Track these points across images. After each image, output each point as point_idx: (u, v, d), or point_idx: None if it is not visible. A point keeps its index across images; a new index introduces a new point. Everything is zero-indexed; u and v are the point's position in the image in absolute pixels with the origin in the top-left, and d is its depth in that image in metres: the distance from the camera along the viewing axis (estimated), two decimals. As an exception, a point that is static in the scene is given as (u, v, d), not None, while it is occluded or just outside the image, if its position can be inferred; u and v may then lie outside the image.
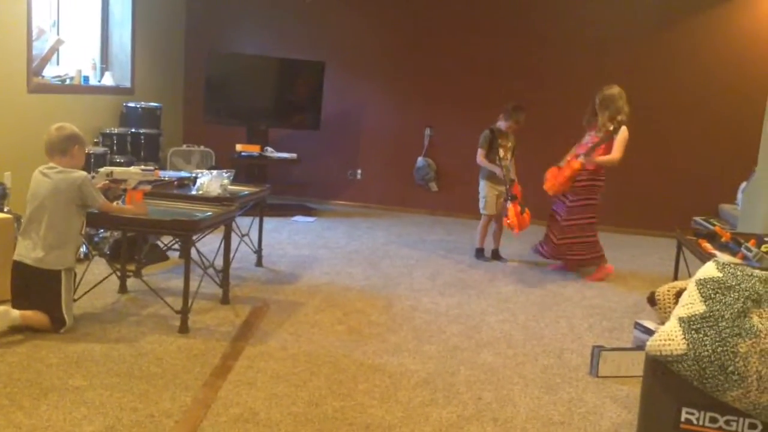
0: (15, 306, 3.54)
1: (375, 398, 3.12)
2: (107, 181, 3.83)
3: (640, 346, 3.53)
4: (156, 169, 4.20)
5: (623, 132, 5.38)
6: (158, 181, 4.33)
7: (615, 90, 5.45)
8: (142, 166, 4.13)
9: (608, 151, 5.39)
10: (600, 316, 4.61)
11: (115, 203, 3.85)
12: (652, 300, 4.56)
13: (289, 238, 6.30)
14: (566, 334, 4.18)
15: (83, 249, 4.66)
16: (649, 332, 3.74)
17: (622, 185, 7.61)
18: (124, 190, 3.89)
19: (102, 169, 3.91)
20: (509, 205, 5.68)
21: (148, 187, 4.03)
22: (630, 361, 3.56)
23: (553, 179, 5.47)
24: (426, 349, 3.77)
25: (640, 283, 5.52)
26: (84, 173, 3.66)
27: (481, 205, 5.98)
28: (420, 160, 7.94)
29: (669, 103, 7.46)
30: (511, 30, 7.68)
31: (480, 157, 5.88)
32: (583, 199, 5.50)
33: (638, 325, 3.89)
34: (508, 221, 5.66)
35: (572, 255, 5.62)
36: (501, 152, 5.81)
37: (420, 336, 3.98)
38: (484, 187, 5.95)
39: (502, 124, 5.90)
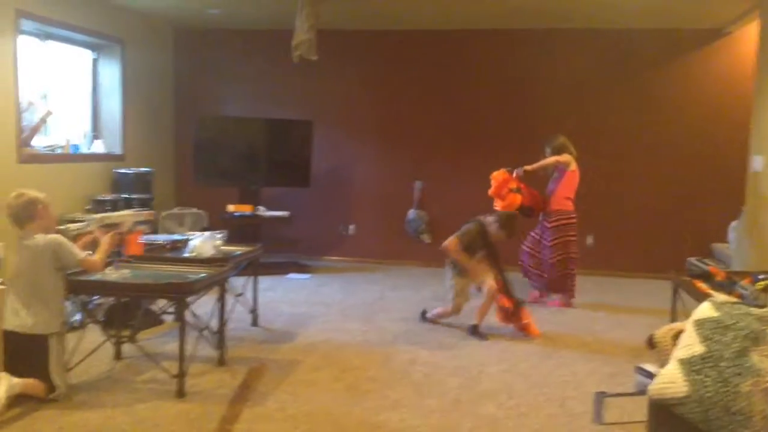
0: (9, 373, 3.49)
1: (377, 456, 3.07)
2: (102, 227, 3.84)
3: (642, 391, 3.50)
4: (149, 210, 4.22)
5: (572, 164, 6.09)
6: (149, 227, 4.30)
7: (562, 138, 6.18)
8: (132, 211, 4.14)
9: (559, 183, 6.07)
10: (600, 361, 4.58)
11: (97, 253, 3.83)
12: (650, 343, 4.54)
13: (284, 296, 6.27)
14: (568, 382, 4.15)
15: (77, 317, 4.62)
16: (651, 376, 3.71)
17: (614, 229, 7.68)
18: (122, 238, 3.90)
19: (96, 216, 3.93)
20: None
21: (143, 228, 4.04)
22: (633, 406, 3.52)
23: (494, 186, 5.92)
24: (427, 403, 3.72)
25: (638, 326, 5.49)
26: (57, 236, 3.68)
27: (450, 297, 5.34)
28: (411, 212, 7.97)
29: (656, 146, 7.58)
30: (495, 80, 7.82)
31: (453, 245, 5.21)
32: (559, 237, 6.02)
33: (640, 369, 3.86)
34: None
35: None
36: (480, 258, 5.26)
37: (420, 390, 3.93)
38: (452, 279, 5.34)
39: (492, 227, 5.27)
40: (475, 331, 5.11)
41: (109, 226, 3.88)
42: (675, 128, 7.54)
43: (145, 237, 5.29)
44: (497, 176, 5.93)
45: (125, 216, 3.96)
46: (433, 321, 5.46)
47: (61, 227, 5.54)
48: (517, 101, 7.78)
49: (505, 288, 5.21)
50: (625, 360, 4.57)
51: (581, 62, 7.66)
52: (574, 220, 6.10)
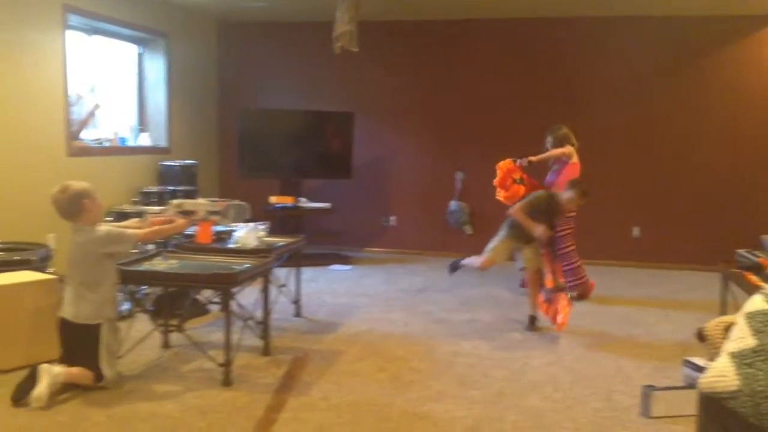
0: (62, 362, 3.59)
1: (422, 447, 3.07)
2: (178, 213, 3.92)
3: (691, 384, 3.44)
4: (220, 201, 4.29)
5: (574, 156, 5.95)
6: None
7: (564, 129, 6.02)
8: (209, 199, 4.22)
9: (559, 175, 5.90)
10: (648, 354, 4.50)
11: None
12: (700, 336, 4.45)
13: (326, 287, 6.31)
14: (614, 375, 4.09)
15: (126, 306, 4.72)
16: (700, 369, 3.65)
17: (661, 221, 7.54)
18: (194, 222, 3.98)
19: (173, 201, 4.01)
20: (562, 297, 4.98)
21: (216, 218, 4.11)
22: (682, 400, 3.45)
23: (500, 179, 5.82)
24: (470, 395, 3.71)
25: (686, 319, 5.39)
26: (105, 225, 3.76)
27: (488, 247, 5.26)
28: (453, 203, 7.94)
29: (705, 135, 7.40)
30: (540, 70, 7.72)
31: (518, 208, 5.08)
32: (568, 228, 5.85)
33: (688, 363, 3.79)
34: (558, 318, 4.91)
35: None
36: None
37: (463, 381, 3.92)
38: (502, 236, 5.22)
39: (564, 195, 5.14)
40: (532, 323, 5.06)
41: (185, 213, 3.96)
42: (725, 117, 7.36)
43: (191, 228, 5.39)
44: (502, 166, 5.80)
45: (200, 204, 4.04)
46: (461, 267, 5.53)
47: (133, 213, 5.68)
48: (563, 91, 7.66)
49: (551, 268, 5.07)
50: (673, 353, 4.48)
51: (630, 51, 7.50)
52: (573, 213, 5.81)
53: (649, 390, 3.48)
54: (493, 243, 5.23)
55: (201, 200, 4.22)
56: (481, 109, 7.88)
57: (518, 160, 5.79)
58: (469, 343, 4.66)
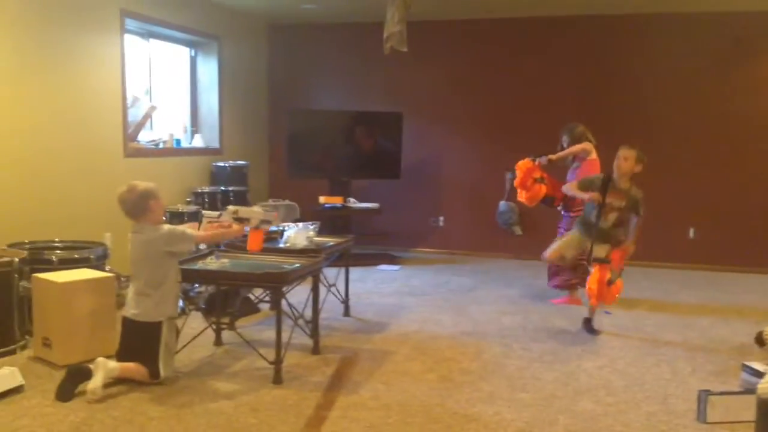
0: (118, 358, 3.68)
1: (472, 448, 3.05)
2: (233, 219, 4.00)
3: (749, 390, 3.35)
4: (275, 212, 4.35)
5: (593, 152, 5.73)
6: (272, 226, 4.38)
7: (581, 127, 5.82)
8: (261, 204, 4.28)
9: (579, 172, 5.62)
10: (703, 359, 4.39)
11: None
12: (759, 340, 4.33)
13: (375, 287, 6.33)
14: (669, 379, 4.00)
15: (180, 304, 4.82)
16: (759, 374, 3.55)
17: (717, 222, 7.34)
18: (247, 230, 4.05)
19: (229, 207, 4.10)
20: (591, 268, 4.89)
21: (267, 227, 4.17)
22: (740, 406, 3.36)
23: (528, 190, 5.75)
24: (521, 397, 3.68)
25: (744, 323, 5.25)
26: (167, 225, 3.85)
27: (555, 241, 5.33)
28: (502, 204, 7.87)
29: (762, 134, 7.18)
30: (589, 69, 7.61)
31: (572, 184, 5.14)
32: (576, 209, 5.56)
33: (746, 368, 3.69)
34: (588, 287, 4.88)
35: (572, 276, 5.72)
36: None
37: (514, 383, 3.89)
38: (573, 233, 5.18)
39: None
40: (587, 324, 4.96)
41: (239, 219, 4.03)
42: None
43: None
44: (522, 166, 5.71)
45: (255, 212, 4.10)
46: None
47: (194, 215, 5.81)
48: (616, 91, 7.54)
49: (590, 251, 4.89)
50: (730, 358, 4.37)
51: (684, 48, 7.33)
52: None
53: (705, 394, 3.40)
54: (562, 237, 5.26)
55: (255, 208, 4.27)
56: (531, 108, 7.80)
57: (537, 159, 5.71)
58: (519, 345, 4.62)
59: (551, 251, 5.18)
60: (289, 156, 7.65)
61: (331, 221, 7.29)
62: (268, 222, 4.17)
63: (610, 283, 4.77)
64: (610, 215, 4.84)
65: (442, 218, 8.26)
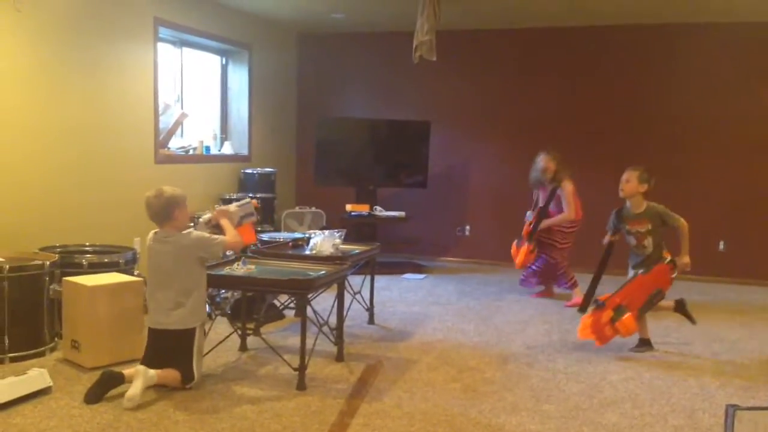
0: (145, 365, 3.71)
1: (494, 459, 3.04)
2: (209, 229, 3.99)
3: (780, 406, 3.28)
4: (251, 198, 4.33)
5: (567, 187, 6.05)
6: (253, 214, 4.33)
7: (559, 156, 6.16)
8: (241, 203, 4.20)
9: (557, 210, 6.14)
10: (732, 373, 4.32)
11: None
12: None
13: (400, 296, 6.33)
14: (696, 393, 3.94)
15: (206, 309, 4.87)
16: (790, 391, 3.48)
17: (747, 234, 7.23)
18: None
19: (201, 219, 4.09)
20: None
21: (253, 218, 4.19)
22: (769, 422, 3.30)
23: (517, 256, 6.17)
24: (545, 409, 3.65)
25: (775, 337, 5.16)
26: (196, 231, 3.85)
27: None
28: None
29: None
30: (618, 76, 7.55)
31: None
32: (564, 243, 6.20)
33: (776, 383, 3.62)
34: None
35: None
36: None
37: (538, 395, 3.86)
38: None
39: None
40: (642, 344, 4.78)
41: (217, 227, 4.03)
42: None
43: (268, 235, 5.51)
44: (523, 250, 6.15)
45: (230, 212, 4.06)
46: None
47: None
48: (642, 101, 7.47)
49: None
50: (760, 372, 4.30)
51: (718, 59, 7.25)
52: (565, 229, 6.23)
53: (733, 409, 3.33)
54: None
55: (231, 206, 4.20)
56: (558, 118, 7.76)
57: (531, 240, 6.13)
58: (544, 356, 4.59)
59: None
60: (317, 163, 7.70)
61: (357, 229, 7.32)
62: (250, 214, 4.17)
63: (613, 321, 4.51)
64: (645, 242, 4.69)
65: (468, 227, 8.24)
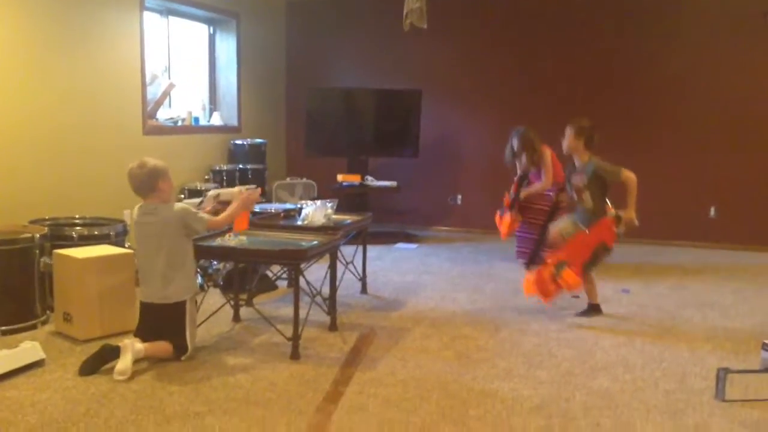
0: (138, 336, 3.71)
1: (488, 424, 3.06)
2: (216, 204, 3.98)
3: (770, 368, 3.32)
4: (258, 187, 4.32)
5: (545, 153, 6.05)
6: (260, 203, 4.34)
7: (531, 132, 6.19)
8: (245, 187, 4.22)
9: (538, 177, 6.07)
10: (723, 337, 4.36)
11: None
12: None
13: (392, 265, 6.34)
14: (688, 358, 3.98)
15: (198, 281, 4.86)
16: (780, 353, 3.52)
17: (739, 200, 7.25)
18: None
19: (210, 192, 4.09)
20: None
21: (252, 207, 4.18)
22: (759, 384, 3.34)
23: (501, 226, 6.11)
24: (538, 374, 3.68)
25: (764, 301, 5.20)
26: (182, 204, 3.79)
27: None
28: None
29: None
30: (611, 46, 7.50)
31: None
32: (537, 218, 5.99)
33: (767, 346, 3.65)
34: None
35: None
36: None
37: (530, 361, 3.88)
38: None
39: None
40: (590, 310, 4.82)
41: (222, 203, 4.00)
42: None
43: (259, 206, 5.48)
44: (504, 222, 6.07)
45: (236, 193, 4.05)
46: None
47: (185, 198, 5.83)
48: (633, 69, 7.44)
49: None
50: (751, 336, 4.33)
51: (709, 24, 7.21)
52: (543, 205, 6.05)
53: (724, 372, 3.37)
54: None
55: (236, 189, 4.18)
56: (551, 88, 7.71)
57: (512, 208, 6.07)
58: (536, 323, 4.61)
59: (554, 232, 4.91)
60: (308, 134, 7.64)
61: (349, 199, 7.30)
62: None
63: (555, 276, 4.46)
64: (583, 196, 4.62)
65: (460, 196, 8.23)
